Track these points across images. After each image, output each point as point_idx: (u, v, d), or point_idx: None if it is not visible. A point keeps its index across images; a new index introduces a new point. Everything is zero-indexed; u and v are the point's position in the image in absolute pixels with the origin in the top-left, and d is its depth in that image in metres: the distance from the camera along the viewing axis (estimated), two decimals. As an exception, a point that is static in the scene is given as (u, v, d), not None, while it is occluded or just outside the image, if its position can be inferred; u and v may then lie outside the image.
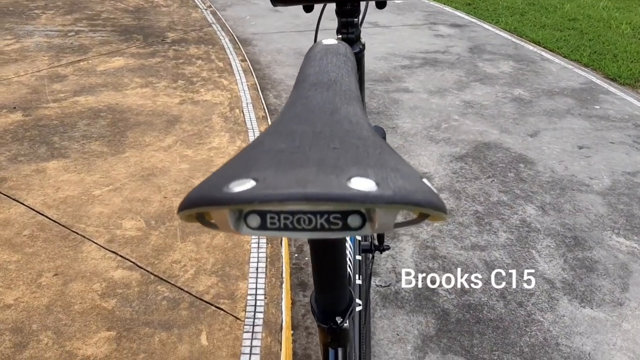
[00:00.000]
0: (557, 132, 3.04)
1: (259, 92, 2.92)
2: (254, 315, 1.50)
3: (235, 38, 3.90)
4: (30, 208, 1.91)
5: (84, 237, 1.77)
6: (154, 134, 2.43)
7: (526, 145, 2.92)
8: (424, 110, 3.32)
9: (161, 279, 1.62)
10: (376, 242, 1.48)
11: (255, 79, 3.17)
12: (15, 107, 2.63)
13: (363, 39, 1.05)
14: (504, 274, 2.02)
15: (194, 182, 2.08)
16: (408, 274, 2.01)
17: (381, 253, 1.52)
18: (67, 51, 3.40)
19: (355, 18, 0.97)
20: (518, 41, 4.69)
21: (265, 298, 1.56)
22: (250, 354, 1.38)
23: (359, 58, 1.04)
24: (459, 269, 2.03)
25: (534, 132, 3.07)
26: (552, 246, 2.15)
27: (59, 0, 4.24)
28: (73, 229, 1.81)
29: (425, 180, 0.36)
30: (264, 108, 2.74)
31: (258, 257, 1.71)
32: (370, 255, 1.75)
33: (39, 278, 1.60)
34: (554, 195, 2.46)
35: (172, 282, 1.61)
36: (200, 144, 2.36)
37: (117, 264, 1.67)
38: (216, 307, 1.52)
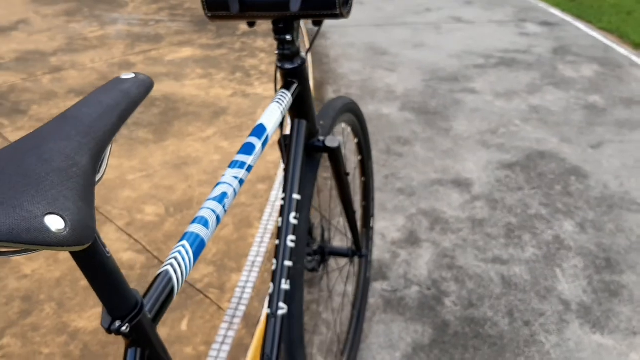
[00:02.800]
0: (623, 145, 2.85)
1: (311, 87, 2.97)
2: (237, 307, 1.57)
3: (306, 31, 3.96)
4: (69, 188, 2.09)
5: (107, 218, 1.92)
6: (197, 124, 2.55)
7: (585, 157, 2.76)
8: (485, 114, 3.22)
9: (162, 263, 1.73)
10: (354, 248, 1.49)
11: (311, 74, 3.22)
12: (81, 93, 2.86)
13: (303, 53, 1.07)
14: (519, 290, 1.95)
15: (221, 174, 2.18)
16: (418, 281, 1.99)
17: (359, 259, 1.53)
18: (143, 40, 3.63)
19: (289, 35, 0.99)
20: (610, 43, 4.40)
21: (252, 292, 1.62)
22: (222, 343, 1.45)
23: (301, 71, 1.06)
24: (472, 281, 1.99)
25: (597, 143, 2.89)
26: (579, 266, 2.04)
27: (151, -10, 4.53)
28: (100, 210, 1.97)
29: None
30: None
31: (258, 252, 1.78)
32: (364, 260, 1.76)
33: (57, 254, 1.76)
34: (598, 213, 2.33)
35: (172, 268, 1.71)
36: (238, 137, 2.46)
37: (128, 246, 1.80)
38: (205, 295, 1.61)
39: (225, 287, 1.64)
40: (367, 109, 3.28)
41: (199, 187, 2.10)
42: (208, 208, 0.78)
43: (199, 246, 0.74)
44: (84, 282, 1.65)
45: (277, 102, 0.99)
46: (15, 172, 0.43)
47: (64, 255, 1.75)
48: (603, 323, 1.79)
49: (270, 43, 3.61)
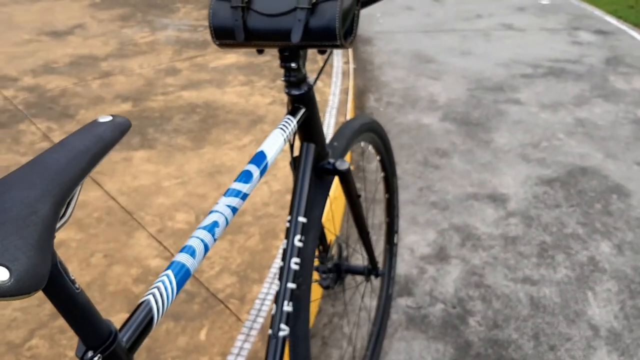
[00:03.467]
0: (670, 163, 2.74)
1: (348, 96, 2.98)
2: (255, 319, 1.60)
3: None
4: (107, 193, 2.17)
5: (140, 224, 1.99)
6: (235, 132, 2.60)
7: (629, 174, 2.67)
8: (528, 126, 3.16)
9: (189, 272, 1.78)
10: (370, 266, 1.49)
11: (351, 82, 3.23)
12: (128, 98, 2.96)
13: (310, 78, 1.08)
14: (547, 312, 1.91)
15: (251, 183, 2.22)
16: (444, 299, 1.98)
17: (376, 278, 1.53)
18: (191, 46, 3.72)
19: (294, 63, 1.01)
20: (667, 53, 4.22)
21: (271, 304, 1.65)
22: (238, 355, 1.49)
23: (309, 97, 1.08)
24: (499, 301, 1.96)
25: (644, 159, 2.79)
26: (612, 290, 1.98)
27: (203, -4, 4.63)
28: (134, 216, 2.04)
29: None
30: (345, 114, 2.79)
31: (281, 264, 1.80)
32: (385, 277, 1.76)
33: (90, 257, 1.84)
34: (638, 234, 2.25)
35: (197, 277, 1.76)
36: (272, 146, 2.49)
37: (157, 253, 1.86)
38: (225, 305, 1.64)
39: (245, 298, 1.67)
40: (407, 118, 3.27)
41: (230, 196, 2.14)
42: (197, 237, 0.81)
43: (183, 276, 0.77)
44: (112, 287, 1.72)
45: (281, 128, 1.01)
46: None
47: (96, 260, 1.83)
48: (632, 351, 1.73)
49: (312, 50, 3.63)
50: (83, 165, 0.57)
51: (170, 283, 0.75)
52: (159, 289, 0.74)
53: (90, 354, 0.62)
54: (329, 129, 2.65)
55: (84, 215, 2.04)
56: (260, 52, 1.04)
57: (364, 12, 5.14)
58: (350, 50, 3.70)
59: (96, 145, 0.59)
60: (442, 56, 4.15)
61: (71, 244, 1.90)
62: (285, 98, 2.94)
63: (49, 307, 1.65)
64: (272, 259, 1.83)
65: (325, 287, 1.41)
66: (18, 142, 2.53)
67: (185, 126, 2.67)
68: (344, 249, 1.49)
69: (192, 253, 0.79)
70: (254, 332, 1.56)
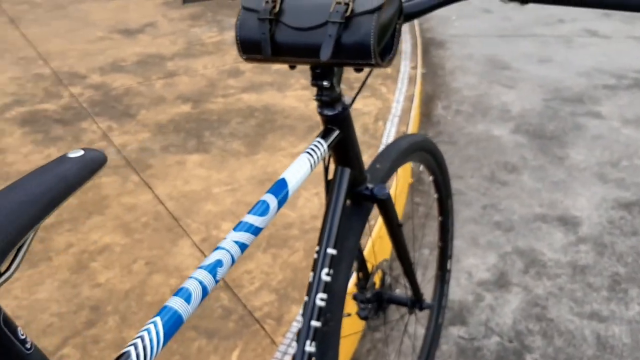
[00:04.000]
0: None
1: (413, 104, 2.85)
2: (290, 343, 1.51)
3: (419, 42, 3.82)
4: (157, 197, 2.15)
5: (185, 232, 1.95)
6: (291, 139, 2.53)
7: None
8: (608, 142, 2.92)
9: (228, 286, 1.71)
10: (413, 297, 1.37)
11: (418, 89, 3.09)
12: (189, 99, 2.94)
13: (346, 97, 0.98)
14: (614, 354, 1.72)
15: (300, 193, 2.13)
16: (500, 331, 1.83)
17: (420, 310, 1.40)
18: (256, 47, 3.68)
19: (327, 81, 0.91)
20: None
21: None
22: (269, 382, 1.41)
23: (343, 118, 0.98)
24: (561, 338, 1.79)
25: None
26: (696, 336, 1.76)
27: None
28: (180, 223, 2.00)
29: None
30: (407, 123, 2.66)
31: (324, 284, 1.71)
32: (435, 307, 1.63)
33: (132, 264, 1.81)
34: None
35: (235, 292, 1.69)
36: (328, 155, 2.40)
37: (198, 263, 1.80)
38: (261, 325, 1.57)
39: (283, 319, 1.59)
40: (476, 128, 3.09)
41: (279, 206, 2.07)
42: (195, 278, 0.72)
43: (174, 324, 0.68)
44: (149, 297, 1.68)
45: (308, 153, 0.91)
46: None
47: (138, 267, 1.80)
48: None
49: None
50: (35, 212, 0.49)
51: (157, 333, 0.66)
52: (142, 339, 0.65)
53: None
54: (388, 138, 2.52)
55: (131, 220, 2.02)
56: (292, 67, 0.95)
57: (438, 14, 4.95)
58: (419, 54, 3.56)
59: (56, 186, 0.51)
60: (518, 63, 3.93)
61: (115, 248, 1.88)
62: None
63: (85, 314, 1.63)
64: (315, 277, 1.74)
65: (364, 318, 1.31)
66: (78, 140, 2.56)
67: (242, 130, 2.62)
68: (387, 276, 1.37)
69: (188, 298, 0.70)
70: (287, 358, 1.47)
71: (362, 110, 2.80)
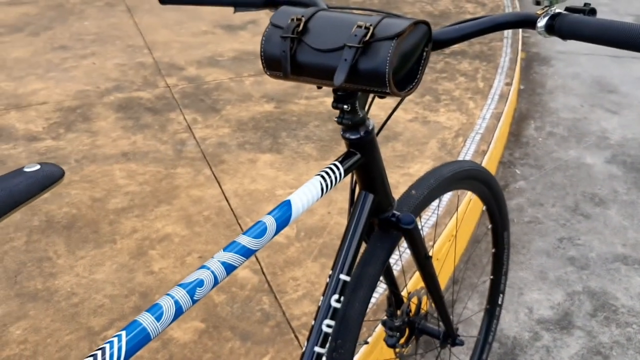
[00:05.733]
0: None
1: (499, 123, 2.72)
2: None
3: (519, 56, 3.64)
4: (222, 192, 2.20)
5: (242, 230, 1.98)
6: (364, 147, 2.50)
7: None
8: None
9: (271, 290, 1.72)
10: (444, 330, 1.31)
11: (508, 107, 2.94)
12: (272, 99, 2.99)
13: (370, 120, 0.95)
14: None
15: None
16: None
17: (453, 346, 1.34)
18: (349, 51, 3.68)
19: (347, 105, 0.88)
20: None
21: (343, 345, 1.53)
22: (291, 394, 1.40)
23: (366, 142, 0.95)
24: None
25: None
26: None
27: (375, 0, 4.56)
28: (239, 221, 2.04)
29: None
30: (489, 142, 2.55)
31: (367, 301, 1.67)
32: (480, 342, 1.55)
33: (187, 256, 1.87)
34: None
35: (277, 297, 1.70)
36: (398, 167, 2.35)
37: (248, 264, 1.83)
38: (295, 335, 1.56)
39: (318, 331, 1.58)
40: (568, 154, 2.91)
41: (338, 215, 2.05)
42: (171, 296, 0.72)
43: (139, 342, 0.68)
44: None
45: (321, 175, 0.89)
46: None
47: (191, 260, 1.85)
48: None
49: (476, 67, 3.38)
50: None
51: (120, 348, 0.66)
52: (103, 351, 0.66)
53: None
54: (465, 156, 2.43)
55: (195, 212, 2.09)
56: (319, 87, 0.93)
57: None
58: (517, 70, 3.39)
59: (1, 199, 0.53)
60: (628, 86, 3.65)
61: (175, 239, 1.95)
62: (429, 116, 2.76)
63: (134, 300, 1.70)
64: (359, 293, 1.71)
65: (390, 346, 1.27)
66: (164, 130, 2.68)
67: (318, 134, 2.63)
68: (423, 304, 1.32)
69: (159, 316, 0.70)
70: (314, 372, 1.45)
71: (443, 124, 2.72)
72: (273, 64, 0.88)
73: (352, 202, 1.05)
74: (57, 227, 2.02)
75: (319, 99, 2.98)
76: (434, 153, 2.46)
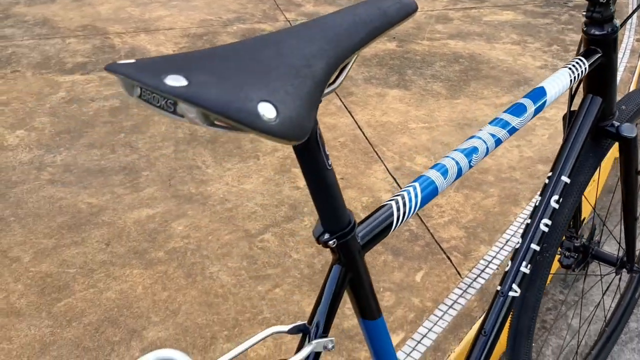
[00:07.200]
0: None
1: (634, 76, 2.61)
2: (476, 278, 1.51)
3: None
4: (355, 122, 2.22)
5: (380, 158, 2.00)
6: (495, 89, 2.46)
7: None
8: None
9: (416, 213, 1.74)
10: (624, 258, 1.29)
11: (641, 62, 2.82)
12: (394, 38, 2.96)
13: (617, 20, 0.92)
14: None
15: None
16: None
17: (628, 273, 1.32)
18: (468, -3, 3.59)
19: None
20: None
21: (497, 269, 1.54)
22: (450, 307, 1.42)
23: (610, 41, 0.93)
24: None
25: None
26: None
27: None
28: (376, 149, 2.05)
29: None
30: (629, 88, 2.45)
31: (515, 232, 1.67)
32: (636, 277, 1.53)
33: (329, 176, 1.90)
34: None
35: (424, 221, 1.71)
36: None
37: (390, 188, 1.85)
38: (447, 256, 1.58)
39: (470, 255, 1.59)
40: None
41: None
42: (452, 158, 0.74)
43: (429, 193, 0.71)
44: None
45: (569, 68, 0.88)
46: (250, 58, 0.46)
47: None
48: None
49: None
50: (362, 35, 0.53)
51: (416, 196, 0.70)
52: (402, 197, 0.69)
53: (327, 235, 0.60)
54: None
55: (330, 138, 2.11)
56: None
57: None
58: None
59: (379, 18, 0.55)
60: None
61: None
62: (559, 64, 2.68)
63: (285, 210, 1.75)
64: (508, 224, 1.70)
65: (566, 266, 1.26)
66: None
67: (445, 74, 2.60)
68: (597, 230, 1.30)
69: (444, 172, 0.73)
70: (471, 291, 1.47)
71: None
72: None
73: (570, 106, 1.04)
74: (201, 140, 2.09)
75: (442, 41, 2.93)
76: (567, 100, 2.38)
